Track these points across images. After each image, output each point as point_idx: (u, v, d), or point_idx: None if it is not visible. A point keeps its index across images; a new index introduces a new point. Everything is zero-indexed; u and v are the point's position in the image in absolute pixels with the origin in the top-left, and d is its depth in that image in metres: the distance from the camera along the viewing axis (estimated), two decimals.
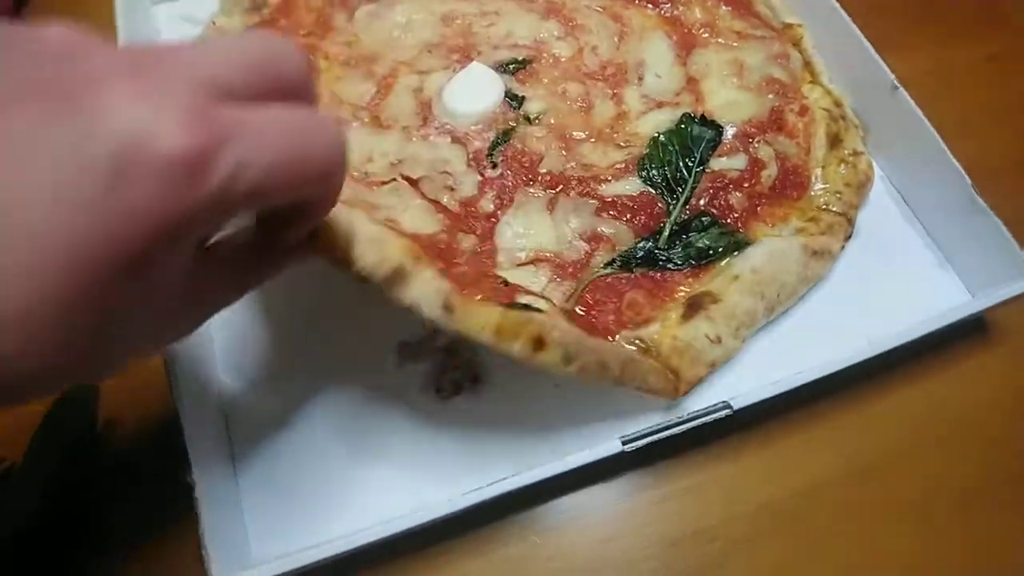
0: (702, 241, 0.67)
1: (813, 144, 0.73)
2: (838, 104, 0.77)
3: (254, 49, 0.29)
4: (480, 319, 0.45)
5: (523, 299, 0.56)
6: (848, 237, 0.69)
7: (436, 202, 0.69)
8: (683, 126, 0.69)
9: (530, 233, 0.67)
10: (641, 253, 0.63)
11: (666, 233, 0.63)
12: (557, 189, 0.66)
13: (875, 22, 0.77)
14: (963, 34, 0.89)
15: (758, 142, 0.68)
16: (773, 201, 0.69)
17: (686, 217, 0.64)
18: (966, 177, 0.61)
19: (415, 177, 0.70)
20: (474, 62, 0.74)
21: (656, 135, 0.70)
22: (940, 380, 0.61)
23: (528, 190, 0.66)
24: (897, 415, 0.60)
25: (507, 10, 0.82)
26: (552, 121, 0.70)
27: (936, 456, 0.57)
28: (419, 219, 0.68)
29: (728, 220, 0.63)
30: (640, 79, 0.74)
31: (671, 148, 0.68)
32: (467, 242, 0.67)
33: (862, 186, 0.72)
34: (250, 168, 0.26)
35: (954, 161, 0.68)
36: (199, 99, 0.25)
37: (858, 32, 0.76)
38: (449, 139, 0.72)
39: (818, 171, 0.67)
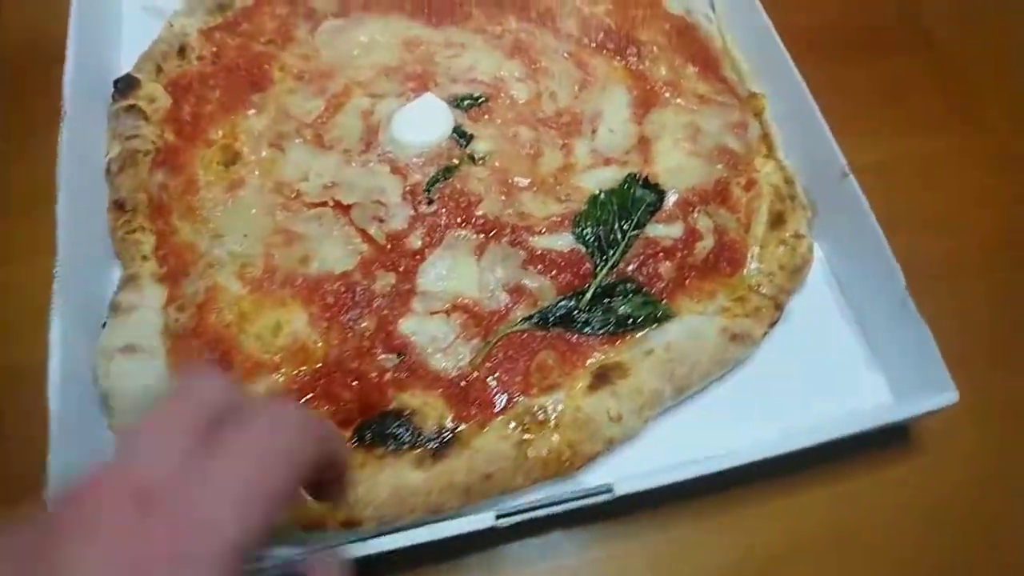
0: (624, 308, 0.65)
1: (754, 221, 0.72)
2: (788, 181, 0.76)
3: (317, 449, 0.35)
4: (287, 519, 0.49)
5: (403, 400, 0.57)
6: (774, 323, 0.68)
7: (363, 231, 0.68)
8: (626, 187, 0.69)
9: (453, 277, 0.65)
10: (561, 312, 0.62)
11: (589, 295, 0.62)
12: (489, 235, 0.66)
13: (838, 102, 0.76)
14: (928, 124, 0.88)
15: (698, 212, 0.67)
16: (703, 275, 0.68)
17: (612, 281, 0.63)
18: (902, 278, 0.60)
19: (347, 203, 0.69)
20: (428, 93, 0.74)
21: (598, 192, 0.69)
22: (852, 483, 0.59)
23: (460, 232, 0.66)
24: (801, 512, 0.58)
25: (473, 44, 0.82)
26: (497, 164, 0.71)
27: (835, 561, 0.56)
28: (336, 253, 0.67)
29: (654, 290, 0.63)
30: (593, 132, 0.74)
31: (610, 208, 0.67)
32: (385, 280, 0.66)
33: (798, 271, 0.70)
34: None
35: (892, 258, 0.66)
36: None
37: (818, 112, 0.75)
38: (389, 168, 0.71)
39: (755, 249, 0.66)
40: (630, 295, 0.66)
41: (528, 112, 0.74)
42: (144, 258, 0.65)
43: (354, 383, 0.59)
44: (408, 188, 0.68)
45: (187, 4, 0.81)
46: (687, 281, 0.68)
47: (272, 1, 0.82)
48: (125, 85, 0.75)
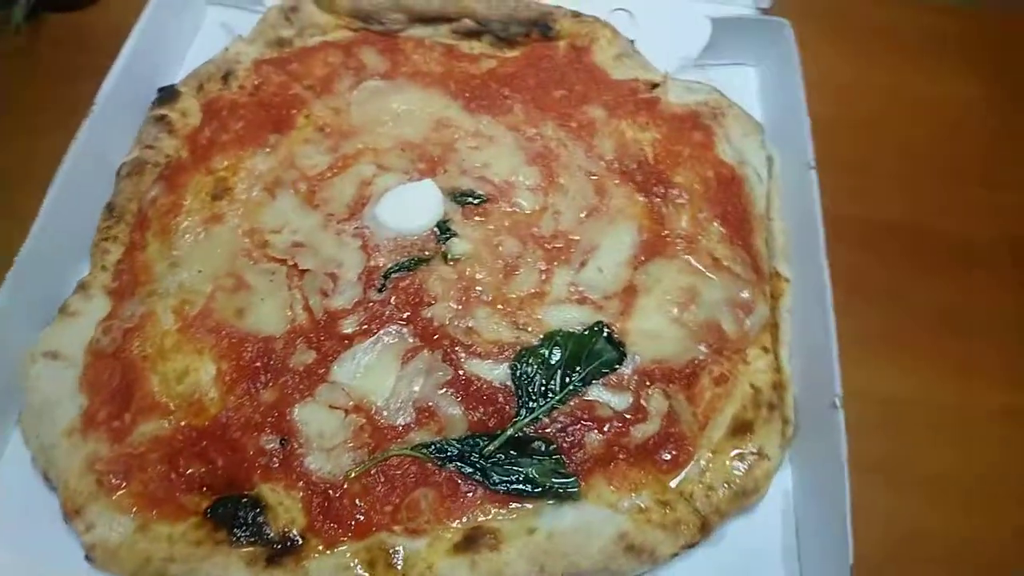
0: (530, 469, 0.60)
1: (712, 421, 0.63)
2: (778, 387, 0.67)
3: None
4: None
5: (263, 491, 0.56)
6: (691, 545, 0.59)
7: (305, 299, 0.66)
8: (588, 335, 0.64)
9: (369, 376, 0.63)
10: (462, 450, 0.57)
11: (498, 442, 0.57)
12: (426, 341, 0.64)
13: (857, 323, 0.66)
14: (940, 370, 0.74)
15: (655, 390, 0.60)
16: (634, 461, 0.60)
17: (529, 435, 0.58)
18: (850, 556, 0.51)
19: (303, 267, 0.69)
20: (428, 180, 0.73)
21: (557, 332, 0.64)
22: None
23: (396, 329, 0.63)
24: None
25: (502, 140, 0.79)
26: (468, 270, 0.69)
27: None
28: (273, 314, 0.66)
29: (571, 460, 0.57)
30: (582, 265, 0.70)
31: (561, 352, 0.61)
32: (303, 356, 0.64)
33: (744, 496, 0.61)
34: None
35: (848, 532, 0.55)
36: None
37: (832, 320, 0.65)
38: (359, 244, 0.69)
39: (706, 454, 0.58)
40: (543, 457, 0.60)
41: (524, 225, 0.71)
42: (103, 268, 0.67)
43: (229, 453, 0.57)
44: (366, 270, 0.66)
45: (254, 31, 0.85)
46: (613, 463, 0.61)
47: (330, 49, 0.83)
48: (166, 95, 0.79)
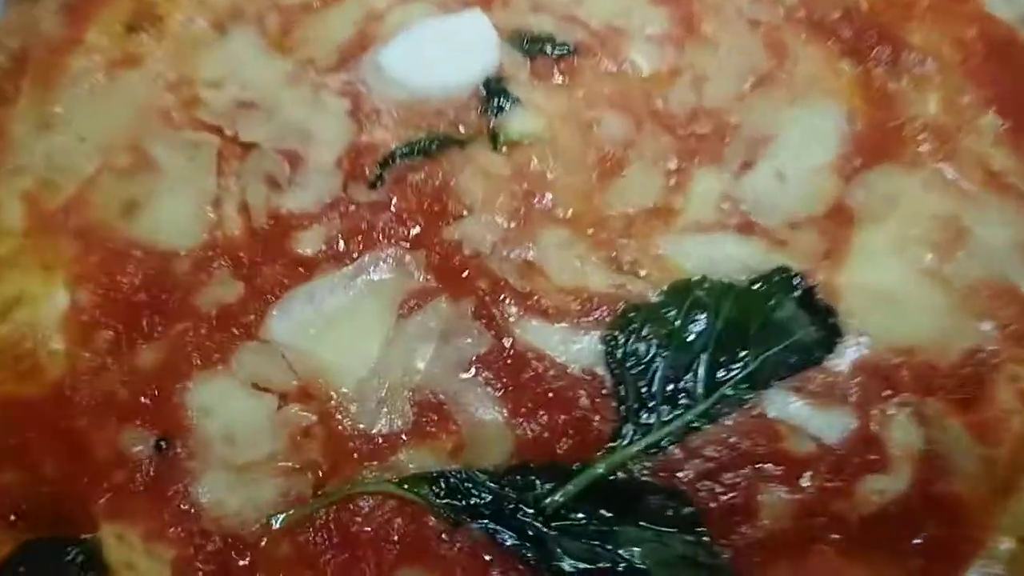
0: (638, 552, 0.30)
1: None
2: None
3: None
4: None
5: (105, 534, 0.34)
6: None
7: (241, 193, 0.40)
8: (763, 288, 0.39)
9: (333, 335, 0.38)
10: (496, 493, 0.33)
11: (576, 486, 0.33)
12: (445, 284, 0.39)
13: None
14: None
15: (899, 407, 0.36)
16: (859, 554, 0.30)
17: (640, 478, 0.34)
18: None
19: (246, 139, 0.43)
20: (475, 10, 0.48)
21: (699, 281, 0.39)
22: None
23: (394, 255, 0.40)
24: None
25: None
26: (532, 164, 0.44)
27: None
28: (179, 217, 0.41)
29: (726, 539, 0.29)
30: (745, 167, 0.44)
31: (708, 320, 0.37)
32: (222, 290, 0.40)
33: None
34: None
35: None
36: None
37: None
38: (346, 106, 0.45)
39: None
40: (666, 530, 0.32)
41: (640, 94, 0.46)
42: None
43: (65, 455, 0.36)
44: (352, 148, 0.43)
45: None
46: (813, 555, 0.32)
47: None
48: None
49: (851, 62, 0.49)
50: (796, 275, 0.39)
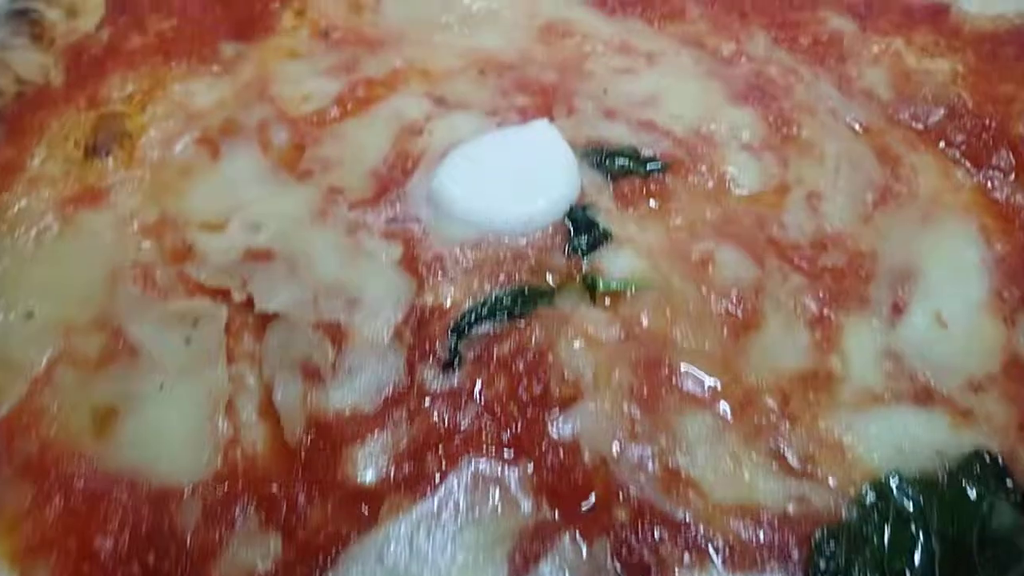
0: None
1: None
2: None
3: None
4: None
5: None
6: None
7: (266, 392, 0.29)
8: (967, 484, 0.29)
9: None
10: None
11: None
12: (581, 523, 0.28)
13: None
14: None
15: None
16: None
17: None
18: None
19: (264, 308, 0.32)
20: (543, 120, 0.39)
21: (891, 479, 0.30)
22: None
23: (497, 473, 0.29)
24: None
25: (670, 59, 0.46)
26: (647, 319, 0.33)
27: None
28: (183, 436, 0.31)
29: None
30: (896, 310, 0.35)
31: (923, 539, 0.28)
32: (252, 553, 0.28)
33: None
34: None
35: None
36: None
37: None
38: (398, 253, 0.34)
39: None
40: None
41: (750, 220, 0.38)
42: None
43: None
44: (411, 312, 0.32)
45: None
46: None
47: None
48: None
49: (967, 171, 0.41)
50: (997, 459, 0.30)
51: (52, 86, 0.42)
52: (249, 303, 0.32)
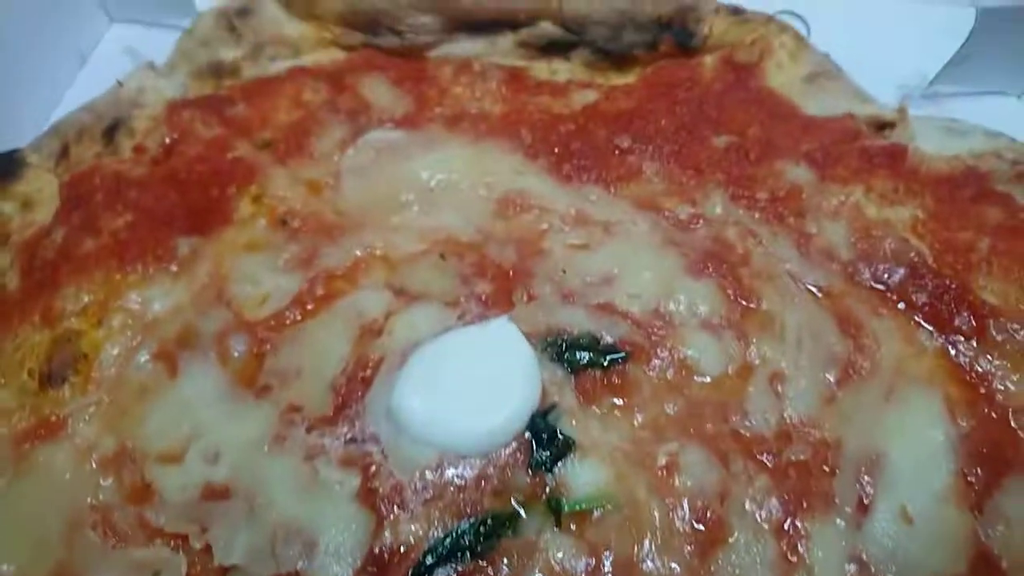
0: None
1: None
2: None
3: None
4: None
5: None
6: None
7: None
8: None
9: None
10: None
11: None
12: None
13: None
14: None
15: None
16: None
17: None
18: None
19: (223, 562, 0.32)
20: (503, 318, 0.39)
21: None
22: None
23: None
24: None
25: (629, 229, 0.47)
26: (615, 545, 0.33)
27: None
28: None
29: None
30: (863, 506, 0.35)
31: None
32: None
33: None
34: None
35: None
36: None
37: None
38: (356, 484, 0.33)
39: None
40: None
41: (713, 411, 0.38)
42: None
43: None
44: (369, 557, 0.31)
45: (173, 54, 0.50)
46: None
47: (306, 79, 0.48)
48: (3, 167, 0.44)
49: (929, 333, 0.41)
50: None
51: (8, 289, 0.40)
52: (208, 550, 0.31)
